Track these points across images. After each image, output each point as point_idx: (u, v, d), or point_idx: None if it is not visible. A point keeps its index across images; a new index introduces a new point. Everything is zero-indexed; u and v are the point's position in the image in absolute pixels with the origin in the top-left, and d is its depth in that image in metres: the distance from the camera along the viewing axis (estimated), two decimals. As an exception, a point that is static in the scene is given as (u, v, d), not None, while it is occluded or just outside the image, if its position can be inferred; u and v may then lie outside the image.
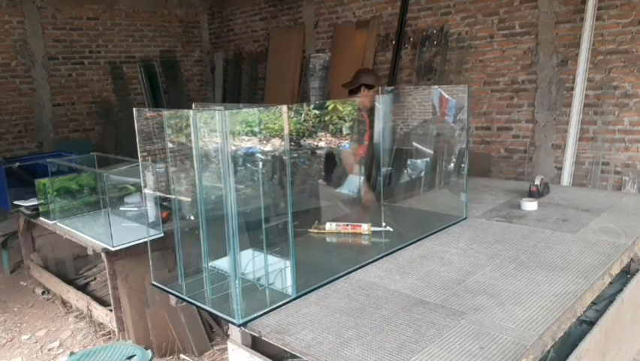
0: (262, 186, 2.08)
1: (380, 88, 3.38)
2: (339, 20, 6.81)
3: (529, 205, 2.98)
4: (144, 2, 7.96)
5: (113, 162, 3.97)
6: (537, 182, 3.23)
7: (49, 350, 3.42)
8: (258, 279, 2.05)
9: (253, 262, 2.07)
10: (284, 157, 1.95)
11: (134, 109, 2.06)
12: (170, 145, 2.08)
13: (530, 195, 3.18)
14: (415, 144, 4.84)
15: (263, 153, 2.13)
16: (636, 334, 2.65)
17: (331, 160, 3.72)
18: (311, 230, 2.70)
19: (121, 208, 3.60)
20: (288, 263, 1.97)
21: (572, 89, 4.67)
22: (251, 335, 1.82)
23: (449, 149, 3.99)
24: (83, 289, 4.00)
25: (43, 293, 4.24)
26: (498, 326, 1.64)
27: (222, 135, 1.68)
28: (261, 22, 7.87)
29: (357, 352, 1.53)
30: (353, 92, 3.54)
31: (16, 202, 3.97)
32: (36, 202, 3.78)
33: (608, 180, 4.61)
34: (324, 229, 2.69)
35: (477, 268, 2.13)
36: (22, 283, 4.54)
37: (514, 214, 2.90)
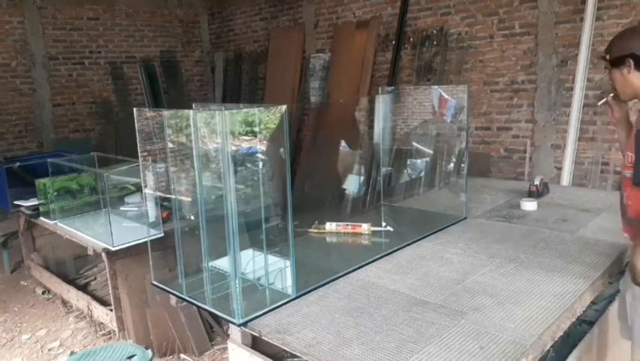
0: (262, 186, 2.09)
1: (381, 88, 3.32)
2: (339, 20, 6.81)
3: (529, 205, 2.98)
4: (144, 2, 7.96)
5: (113, 162, 3.98)
6: (537, 182, 3.23)
7: (49, 349, 3.43)
8: (258, 279, 2.05)
9: (253, 262, 2.07)
10: (284, 157, 1.96)
11: (134, 109, 2.06)
12: (170, 145, 2.08)
13: (530, 195, 3.18)
14: (415, 144, 4.84)
15: (263, 153, 2.13)
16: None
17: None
18: (311, 230, 2.71)
19: (121, 208, 3.60)
20: (288, 263, 1.98)
21: (572, 89, 4.68)
22: (251, 334, 1.83)
23: (449, 149, 3.99)
24: (84, 289, 4.00)
25: (43, 293, 4.24)
26: (498, 326, 1.65)
27: (222, 135, 1.69)
28: (261, 22, 7.87)
29: (356, 352, 1.54)
30: (615, 64, 2.05)
31: (16, 202, 3.97)
32: (36, 202, 3.78)
33: (608, 180, 4.61)
34: (324, 229, 2.69)
35: (477, 268, 2.13)
36: (22, 282, 4.54)
37: (514, 214, 2.90)
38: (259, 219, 2.02)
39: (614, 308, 2.37)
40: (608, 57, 2.05)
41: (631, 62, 1.97)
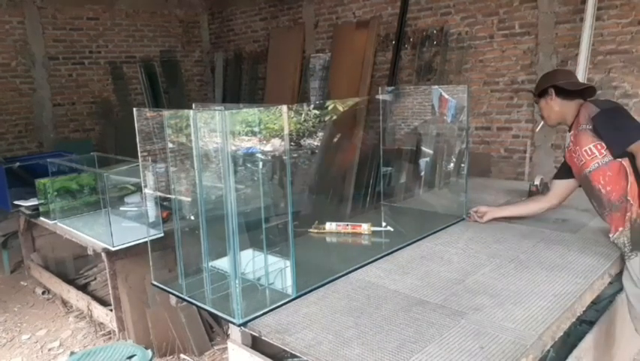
0: (262, 186, 2.08)
1: (381, 88, 3.31)
2: (339, 20, 6.81)
3: (529, 205, 2.97)
4: (144, 2, 7.96)
5: (113, 162, 3.97)
6: (537, 182, 3.23)
7: (49, 349, 3.42)
8: (258, 279, 2.05)
9: (253, 262, 2.07)
10: (284, 157, 1.96)
11: (134, 109, 2.06)
12: (170, 145, 2.08)
13: (530, 195, 3.18)
14: (415, 143, 4.85)
15: (263, 153, 2.13)
16: (636, 334, 2.65)
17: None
18: (311, 230, 2.70)
19: (121, 208, 3.60)
20: (288, 263, 1.97)
21: (572, 89, 4.67)
22: (251, 334, 1.82)
23: (449, 149, 3.99)
24: (83, 289, 4.00)
25: (43, 293, 4.24)
26: (498, 326, 1.64)
27: (222, 135, 1.68)
28: (261, 22, 7.87)
29: (356, 352, 1.54)
30: (541, 95, 2.50)
31: (16, 202, 3.97)
32: (36, 202, 3.78)
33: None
34: (324, 229, 2.69)
35: (477, 268, 2.13)
36: (22, 283, 4.54)
37: (514, 214, 2.89)
38: (259, 219, 2.02)
39: (615, 309, 2.37)
40: (535, 93, 2.53)
41: (552, 90, 2.41)
